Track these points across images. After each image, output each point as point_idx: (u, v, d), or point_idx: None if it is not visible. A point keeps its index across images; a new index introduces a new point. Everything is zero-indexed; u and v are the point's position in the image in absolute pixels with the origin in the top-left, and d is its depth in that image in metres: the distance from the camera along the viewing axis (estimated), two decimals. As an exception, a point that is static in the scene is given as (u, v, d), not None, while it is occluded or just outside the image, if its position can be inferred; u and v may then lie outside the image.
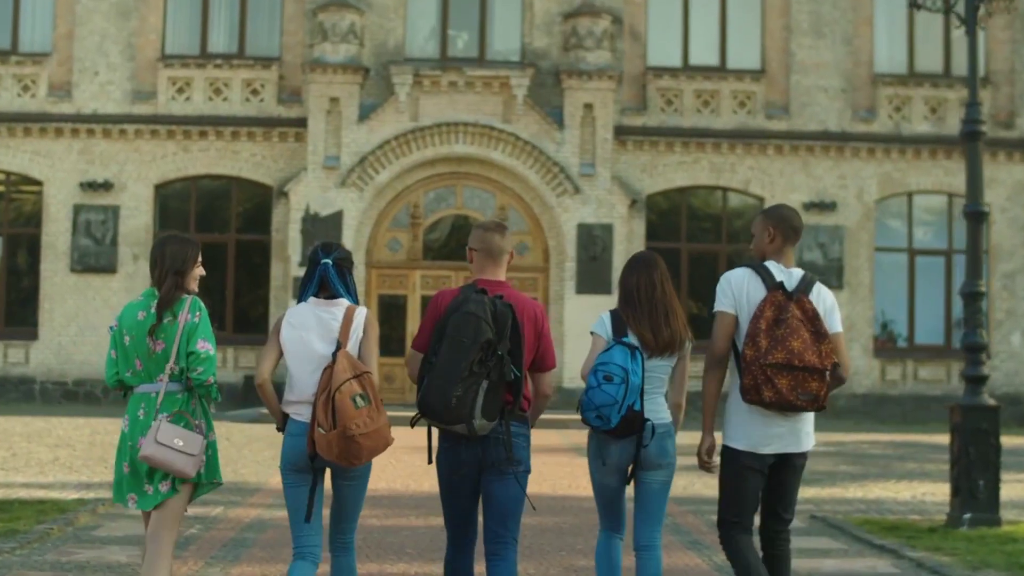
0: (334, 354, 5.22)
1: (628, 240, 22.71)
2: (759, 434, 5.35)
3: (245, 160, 23.10)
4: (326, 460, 5.17)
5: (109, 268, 22.88)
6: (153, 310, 5.35)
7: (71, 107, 23.05)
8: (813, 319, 5.30)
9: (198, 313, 5.36)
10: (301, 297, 5.45)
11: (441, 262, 22.95)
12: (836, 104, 23.48)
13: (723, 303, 5.48)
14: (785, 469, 5.42)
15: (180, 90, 23.13)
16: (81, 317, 22.81)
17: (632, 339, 5.46)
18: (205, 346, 5.32)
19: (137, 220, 23.00)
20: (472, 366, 5.07)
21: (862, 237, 23.40)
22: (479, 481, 5.34)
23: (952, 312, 23.51)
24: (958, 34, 23.88)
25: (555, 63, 22.92)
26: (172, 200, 23.59)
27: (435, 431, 5.37)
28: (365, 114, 22.48)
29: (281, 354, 5.40)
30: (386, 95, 22.59)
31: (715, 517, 5.67)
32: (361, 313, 5.40)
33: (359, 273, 22.41)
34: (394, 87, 22.40)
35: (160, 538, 5.34)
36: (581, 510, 9.93)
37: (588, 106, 22.57)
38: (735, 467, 5.40)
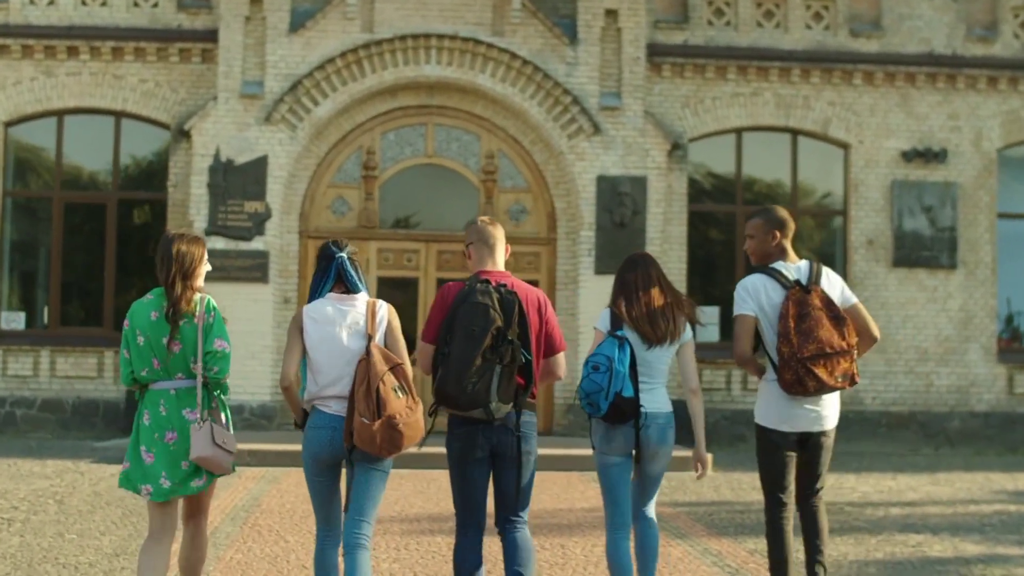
0: (367, 347, 5.42)
1: (667, 200, 16.42)
2: (783, 414, 5.97)
3: (132, 88, 16.58)
4: (361, 451, 5.36)
5: (-60, 239, 16.36)
6: (165, 314, 5.57)
7: None
8: (829, 305, 5.90)
9: (212, 313, 5.62)
10: (317, 294, 5.63)
11: (405, 231, 16.54)
12: (945, 18, 17.27)
13: (743, 307, 6.01)
14: (811, 446, 6.02)
15: (41, -10, 16.61)
16: (-101, 307, 16.24)
17: (626, 332, 5.93)
18: (222, 344, 5.61)
19: (-21, 171, 16.48)
20: (485, 353, 5.33)
21: (981, 199, 17.20)
22: (491, 467, 5.59)
23: (1101, 301, 17.47)
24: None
25: (565, -46, 16.62)
26: (29, 144, 17.03)
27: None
28: (299, 22, 16.07)
29: (303, 351, 5.55)
30: (329, -4, 16.22)
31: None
32: (383, 306, 5.63)
33: (290, 244, 16.07)
34: (340, -15, 16.05)
35: (199, 521, 5.84)
36: None
37: (611, 14, 16.27)
38: (765, 442, 6.06)
